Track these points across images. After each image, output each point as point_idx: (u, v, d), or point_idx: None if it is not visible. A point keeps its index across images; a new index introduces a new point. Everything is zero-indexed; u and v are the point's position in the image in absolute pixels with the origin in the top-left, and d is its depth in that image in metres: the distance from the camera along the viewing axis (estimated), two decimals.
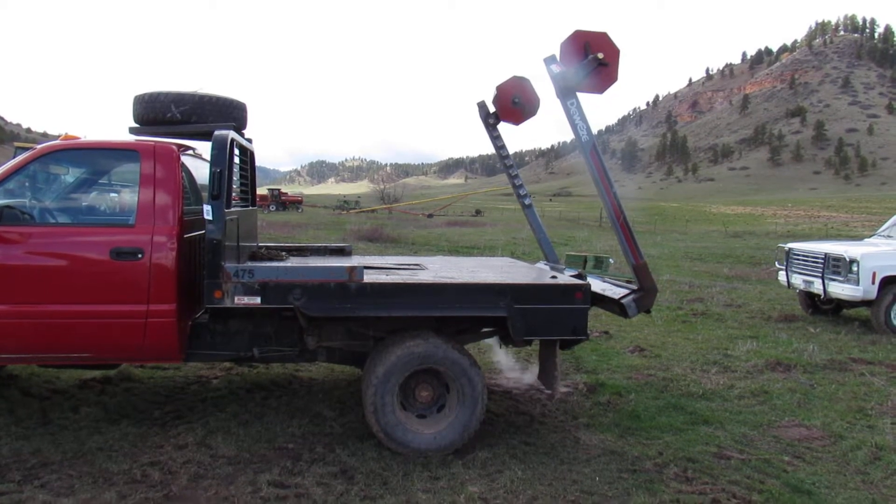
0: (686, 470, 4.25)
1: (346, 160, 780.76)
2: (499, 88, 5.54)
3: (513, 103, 5.50)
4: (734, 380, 6.43)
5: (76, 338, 4.16)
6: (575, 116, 4.75)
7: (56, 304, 4.09)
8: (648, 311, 4.91)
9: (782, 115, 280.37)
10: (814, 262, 9.57)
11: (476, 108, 5.75)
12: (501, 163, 6.06)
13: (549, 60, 4.81)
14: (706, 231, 45.90)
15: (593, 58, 4.62)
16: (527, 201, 6.03)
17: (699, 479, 4.13)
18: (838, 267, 9.03)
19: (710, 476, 4.18)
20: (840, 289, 8.97)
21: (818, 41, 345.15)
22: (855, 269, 8.74)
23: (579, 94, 4.77)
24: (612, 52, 4.71)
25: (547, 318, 4.45)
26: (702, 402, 5.68)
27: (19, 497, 3.56)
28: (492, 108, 5.66)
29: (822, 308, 10.24)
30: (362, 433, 4.61)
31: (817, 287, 9.40)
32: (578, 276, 5.09)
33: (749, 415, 5.41)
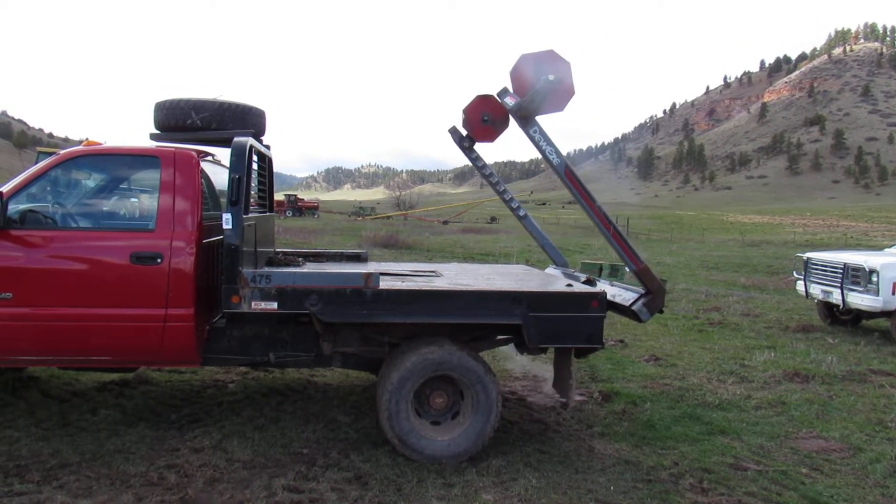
0: (702, 481, 4.22)
1: (362, 167, 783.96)
2: (465, 111, 5.50)
3: (482, 122, 5.47)
4: (751, 390, 6.37)
5: (96, 341, 4.21)
6: (541, 143, 4.74)
7: (76, 308, 4.14)
8: (661, 311, 4.89)
9: (801, 124, 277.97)
10: (833, 271, 9.47)
11: (451, 134, 5.71)
12: (486, 181, 6.05)
13: (503, 94, 4.80)
14: (723, 240, 45.56)
15: (544, 80, 4.58)
16: (521, 213, 6.02)
17: (715, 490, 4.10)
18: (858, 277, 8.94)
19: (727, 487, 4.15)
20: (859, 299, 8.88)
21: (838, 50, 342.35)
22: (875, 279, 8.64)
23: (544, 116, 4.75)
24: (563, 67, 4.67)
25: (562, 326, 4.44)
26: (718, 413, 5.63)
27: (38, 497, 3.61)
28: (464, 132, 5.63)
29: (841, 318, 10.13)
30: (377, 439, 4.62)
31: (836, 297, 9.31)
32: (588, 283, 5.10)
33: (766, 426, 5.36)
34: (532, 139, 4.75)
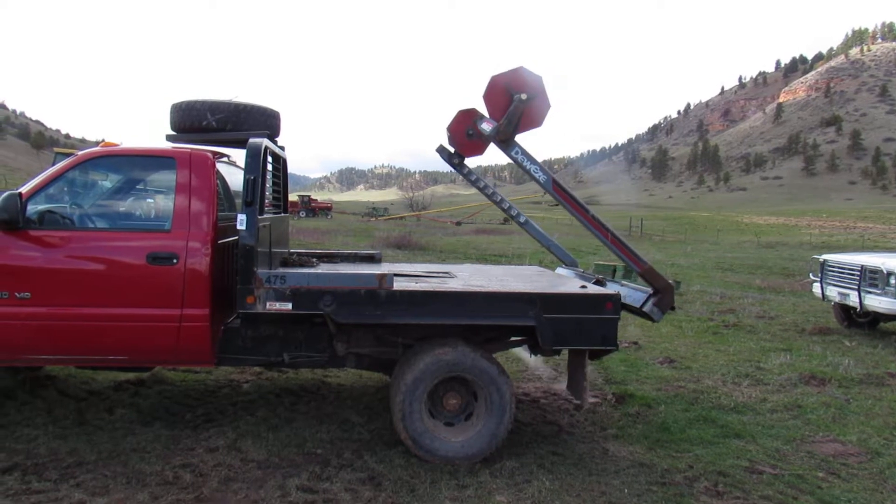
0: (717, 484, 4.19)
1: (375, 167, 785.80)
2: (449, 129, 5.47)
3: (468, 136, 5.44)
4: (767, 393, 6.32)
5: (112, 340, 4.25)
6: (524, 163, 4.75)
7: (93, 307, 4.18)
8: (673, 309, 4.87)
9: (817, 125, 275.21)
10: (850, 274, 9.38)
11: (439, 153, 5.69)
12: (483, 194, 6.03)
13: (479, 120, 4.79)
14: (738, 241, 45.24)
15: (518, 100, 4.57)
16: (521, 219, 5.99)
17: (730, 493, 4.07)
18: (875, 279, 8.84)
19: (742, 491, 4.12)
20: (877, 302, 8.78)
21: (855, 50, 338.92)
22: (892, 281, 8.54)
23: (525, 132, 4.75)
24: (534, 84, 4.64)
25: (576, 327, 4.43)
26: (733, 416, 5.59)
27: (56, 495, 3.65)
28: (452, 149, 5.61)
29: (858, 321, 10.01)
30: (390, 440, 4.63)
31: (853, 300, 9.21)
32: (598, 283, 5.09)
33: (782, 429, 5.32)
34: (515, 161, 4.76)
